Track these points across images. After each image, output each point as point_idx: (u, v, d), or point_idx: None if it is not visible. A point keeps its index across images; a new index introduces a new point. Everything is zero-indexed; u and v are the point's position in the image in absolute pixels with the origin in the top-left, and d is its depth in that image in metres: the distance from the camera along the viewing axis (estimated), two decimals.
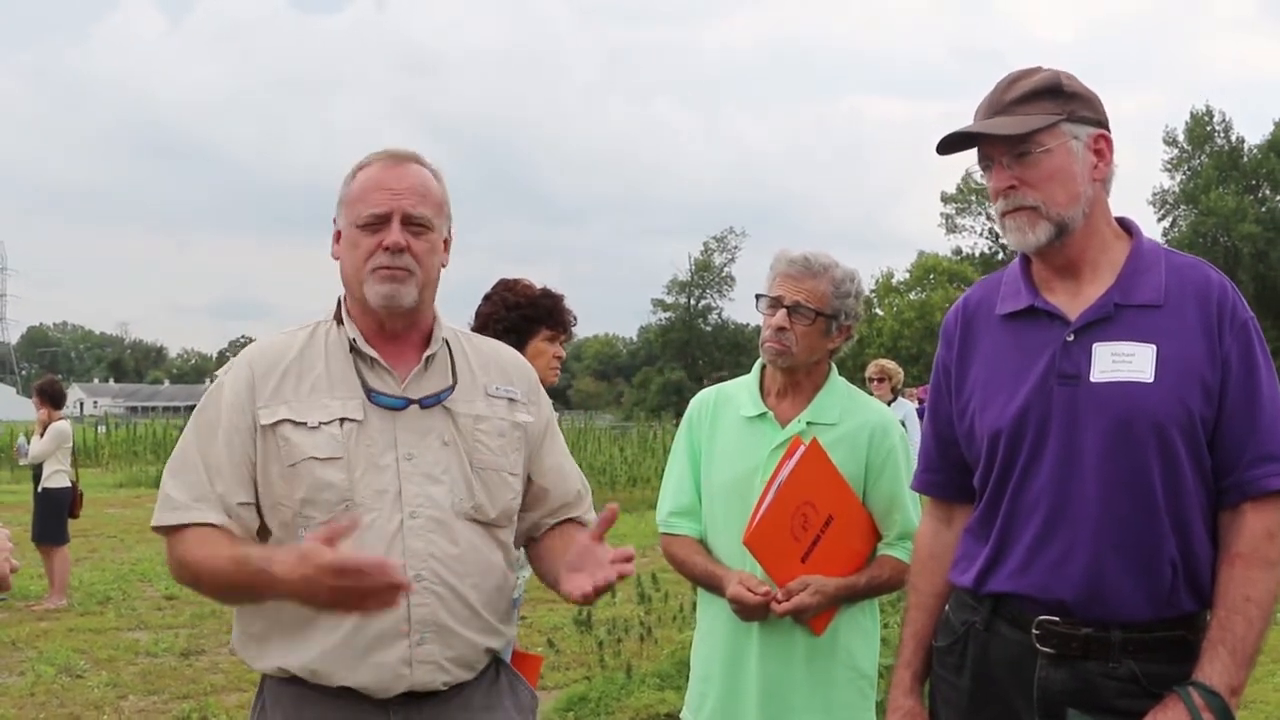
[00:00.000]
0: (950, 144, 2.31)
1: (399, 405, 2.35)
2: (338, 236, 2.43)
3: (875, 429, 3.11)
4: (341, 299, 2.46)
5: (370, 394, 2.34)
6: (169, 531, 2.33)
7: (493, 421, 2.44)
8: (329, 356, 2.39)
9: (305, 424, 2.31)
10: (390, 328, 2.40)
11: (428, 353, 2.41)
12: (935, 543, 2.53)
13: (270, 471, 2.31)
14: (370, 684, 2.28)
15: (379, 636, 2.27)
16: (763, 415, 3.13)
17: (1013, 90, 2.28)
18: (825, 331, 3.08)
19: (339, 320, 2.44)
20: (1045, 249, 2.27)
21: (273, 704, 2.38)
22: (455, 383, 2.42)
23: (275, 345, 2.43)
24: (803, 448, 2.99)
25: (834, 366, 3.22)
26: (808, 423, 3.09)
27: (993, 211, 2.33)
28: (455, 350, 2.48)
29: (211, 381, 2.61)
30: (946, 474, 2.52)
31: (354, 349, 2.38)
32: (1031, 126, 2.22)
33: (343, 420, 2.32)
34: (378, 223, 2.33)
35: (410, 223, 2.34)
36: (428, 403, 2.37)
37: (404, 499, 2.31)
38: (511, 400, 2.49)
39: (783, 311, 3.04)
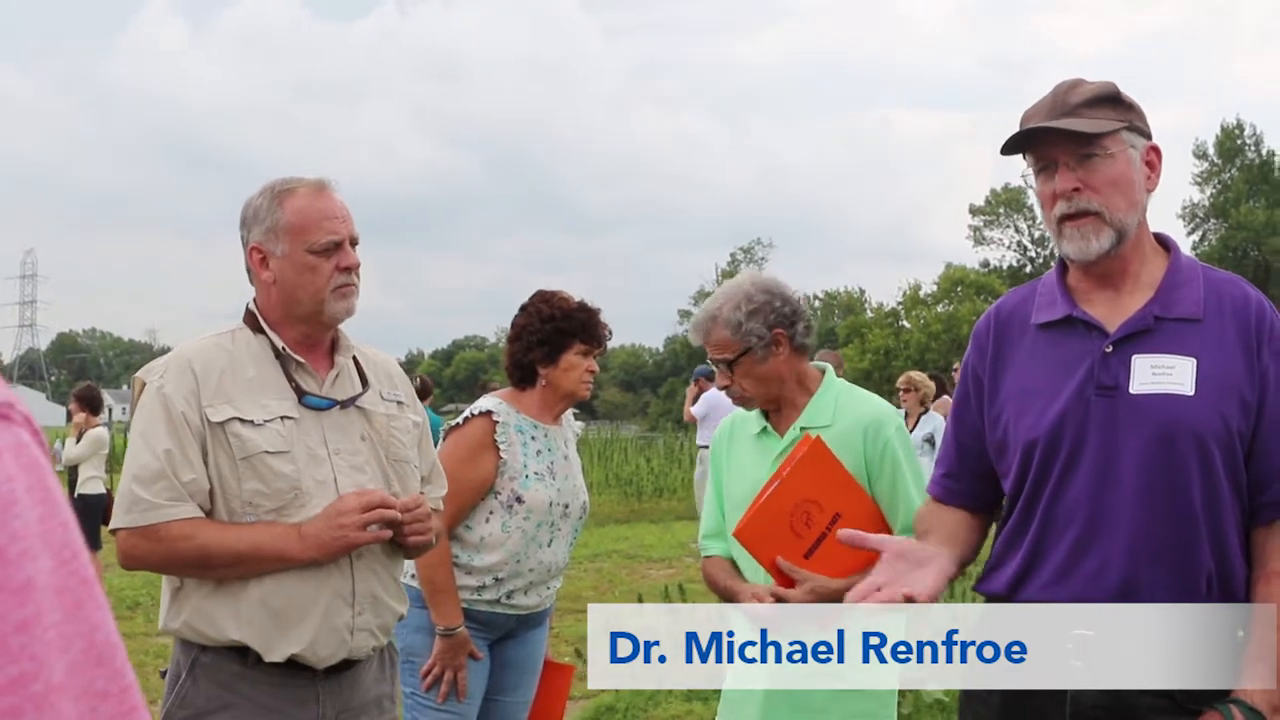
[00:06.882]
0: (1012, 144, 2.28)
1: (325, 405, 2.65)
2: (262, 259, 2.64)
3: (868, 425, 3.09)
4: (255, 308, 2.69)
5: (301, 396, 2.63)
6: (144, 530, 2.49)
7: (401, 420, 2.78)
8: (256, 361, 2.64)
9: (253, 421, 2.55)
10: (316, 338, 2.71)
11: (341, 360, 2.73)
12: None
13: (221, 465, 2.53)
14: (319, 648, 2.54)
15: (331, 601, 2.56)
16: (764, 430, 3.19)
17: (1075, 94, 2.26)
18: (761, 359, 3.06)
19: (254, 328, 2.68)
20: (1101, 258, 2.25)
21: (205, 678, 2.53)
22: (366, 387, 2.74)
23: (206, 349, 2.63)
24: (806, 446, 2.99)
25: (828, 371, 3.22)
26: (801, 428, 3.11)
27: (1050, 216, 2.28)
28: (358, 358, 2.79)
29: (131, 387, 2.80)
30: (966, 482, 2.48)
31: (280, 355, 2.65)
32: (1104, 129, 2.21)
33: (283, 417, 2.59)
34: (334, 248, 2.63)
35: (353, 244, 2.69)
36: (346, 404, 2.68)
37: (339, 488, 2.60)
38: (400, 403, 2.82)
39: (719, 372, 3.14)
